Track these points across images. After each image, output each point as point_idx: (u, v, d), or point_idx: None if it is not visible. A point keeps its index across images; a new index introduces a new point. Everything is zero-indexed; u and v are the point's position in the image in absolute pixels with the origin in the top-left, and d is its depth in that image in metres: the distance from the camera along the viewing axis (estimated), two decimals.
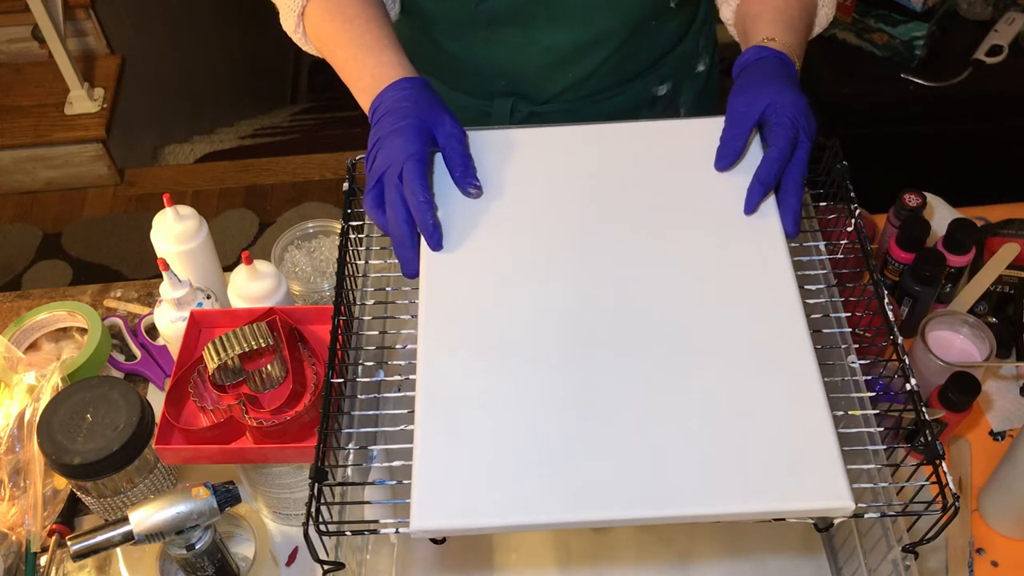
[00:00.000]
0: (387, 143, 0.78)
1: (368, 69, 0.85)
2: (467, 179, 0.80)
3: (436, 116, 0.80)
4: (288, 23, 0.92)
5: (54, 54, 2.46)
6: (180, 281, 0.97)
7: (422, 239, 0.78)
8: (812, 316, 0.76)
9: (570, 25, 0.98)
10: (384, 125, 0.80)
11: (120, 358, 1.14)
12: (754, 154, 0.84)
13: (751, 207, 0.79)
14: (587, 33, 0.99)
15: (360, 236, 0.85)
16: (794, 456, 0.66)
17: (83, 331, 1.14)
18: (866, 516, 0.67)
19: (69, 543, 0.76)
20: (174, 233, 1.04)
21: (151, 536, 0.77)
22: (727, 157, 0.80)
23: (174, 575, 0.87)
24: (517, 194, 0.83)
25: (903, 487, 0.72)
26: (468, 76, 1.06)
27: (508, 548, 0.94)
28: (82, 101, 2.58)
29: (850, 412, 0.73)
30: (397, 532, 0.65)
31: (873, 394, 0.75)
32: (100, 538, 0.76)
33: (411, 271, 0.77)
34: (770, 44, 0.84)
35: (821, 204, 0.86)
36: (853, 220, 0.81)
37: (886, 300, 0.75)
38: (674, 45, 1.08)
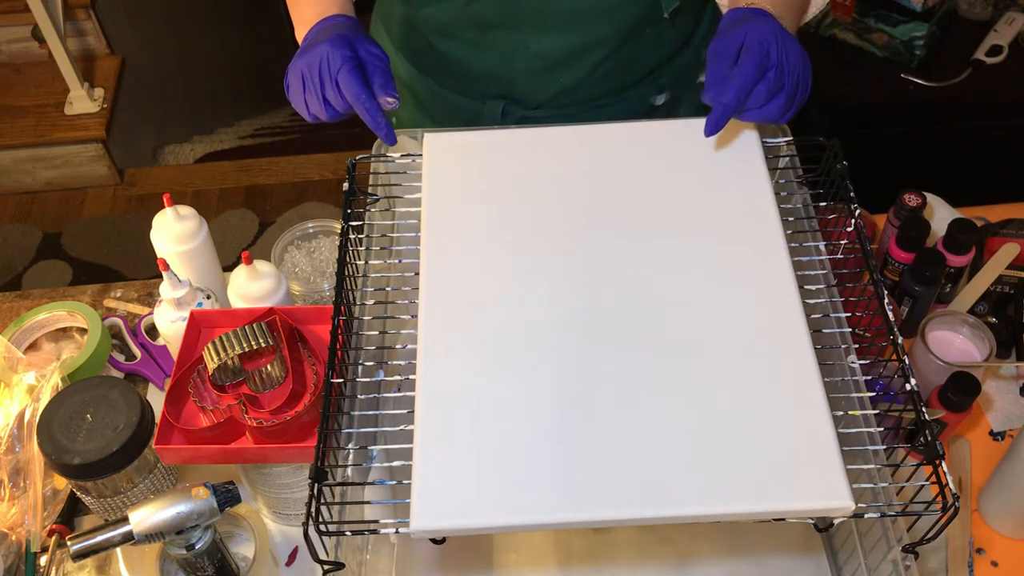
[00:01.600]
0: (312, 49, 0.86)
1: (311, 5, 0.92)
2: (387, 89, 0.85)
3: (360, 37, 0.87)
4: None
5: (54, 54, 2.46)
6: (180, 281, 0.97)
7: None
8: (812, 316, 0.76)
9: (560, 31, 0.97)
10: (309, 39, 0.90)
11: (120, 358, 1.14)
12: (753, 148, 0.84)
13: (709, 128, 0.77)
14: (577, 39, 0.98)
15: (360, 236, 0.85)
16: (794, 456, 0.66)
17: (83, 331, 1.14)
18: (866, 516, 0.67)
19: (69, 543, 0.76)
20: (174, 233, 1.04)
21: (151, 536, 0.77)
22: (712, 87, 0.78)
23: (174, 575, 0.87)
24: (516, 195, 0.83)
25: (903, 487, 0.72)
26: (460, 77, 1.06)
27: (508, 548, 0.94)
28: (82, 101, 2.58)
29: (850, 412, 0.73)
30: (397, 532, 0.65)
31: (873, 394, 0.75)
32: (100, 538, 0.76)
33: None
34: (752, 5, 0.84)
35: (821, 204, 0.86)
36: (853, 220, 0.81)
37: (886, 300, 0.75)
38: (672, 55, 1.07)
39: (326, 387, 0.72)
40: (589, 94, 1.05)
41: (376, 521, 0.66)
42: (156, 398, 1.09)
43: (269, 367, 0.84)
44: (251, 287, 0.98)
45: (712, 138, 0.85)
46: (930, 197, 1.21)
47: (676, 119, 0.91)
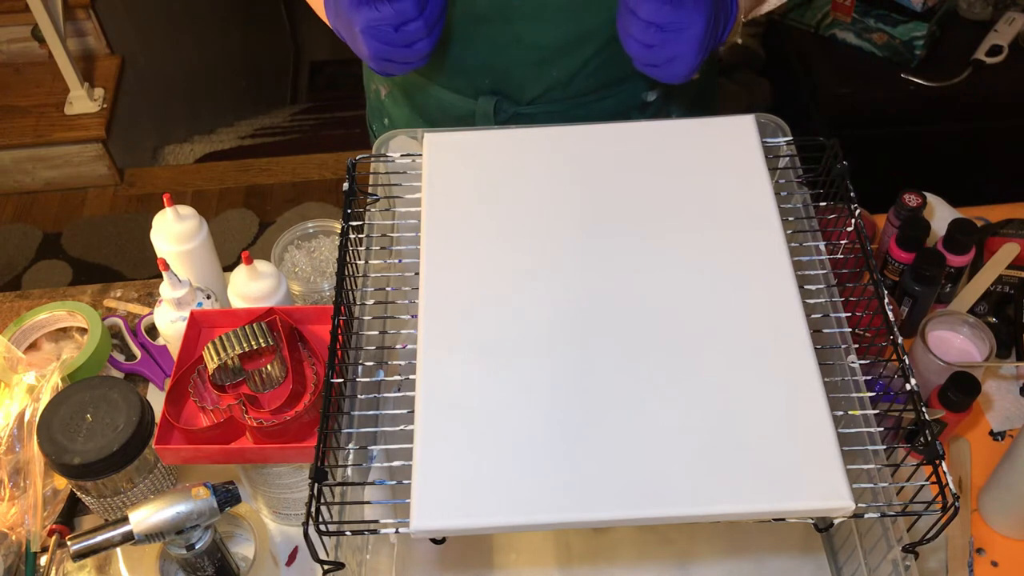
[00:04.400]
0: None
1: None
2: None
3: None
4: None
5: (54, 54, 2.46)
6: (180, 281, 0.97)
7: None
8: (812, 316, 0.76)
9: (554, 22, 0.98)
10: None
11: (120, 358, 1.14)
12: (753, 148, 0.84)
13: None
14: (571, 31, 0.98)
15: (360, 236, 0.85)
16: (794, 456, 0.66)
17: (83, 331, 1.14)
18: (866, 516, 0.67)
19: (69, 543, 0.76)
20: (174, 233, 1.04)
21: (151, 536, 0.77)
22: None
23: (174, 575, 0.87)
24: (516, 195, 0.83)
25: (903, 487, 0.72)
26: (452, 72, 1.06)
27: (508, 548, 0.94)
28: (82, 101, 2.58)
29: (850, 412, 0.73)
30: (397, 532, 0.65)
31: (873, 394, 0.75)
32: (100, 538, 0.76)
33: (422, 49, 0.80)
34: None
35: (821, 204, 0.86)
36: (853, 220, 0.81)
37: (886, 300, 0.75)
38: None
39: (326, 387, 0.72)
40: (581, 88, 1.05)
41: (376, 521, 0.66)
42: (156, 398, 1.09)
43: (269, 367, 0.84)
44: (251, 287, 0.98)
45: (712, 138, 0.85)
46: (930, 197, 1.21)
47: (676, 120, 0.91)
